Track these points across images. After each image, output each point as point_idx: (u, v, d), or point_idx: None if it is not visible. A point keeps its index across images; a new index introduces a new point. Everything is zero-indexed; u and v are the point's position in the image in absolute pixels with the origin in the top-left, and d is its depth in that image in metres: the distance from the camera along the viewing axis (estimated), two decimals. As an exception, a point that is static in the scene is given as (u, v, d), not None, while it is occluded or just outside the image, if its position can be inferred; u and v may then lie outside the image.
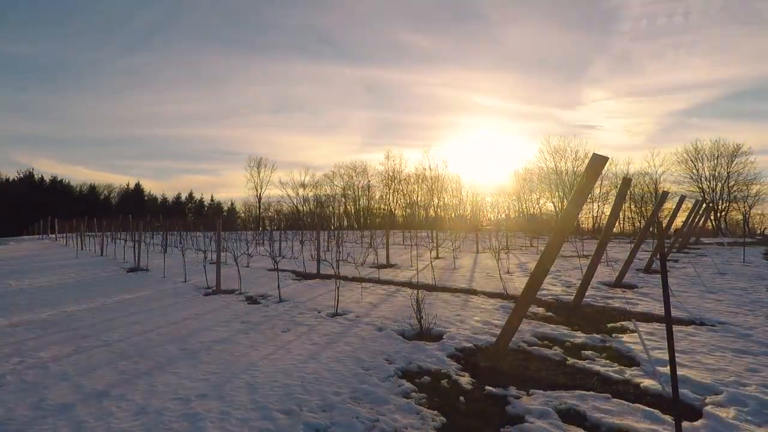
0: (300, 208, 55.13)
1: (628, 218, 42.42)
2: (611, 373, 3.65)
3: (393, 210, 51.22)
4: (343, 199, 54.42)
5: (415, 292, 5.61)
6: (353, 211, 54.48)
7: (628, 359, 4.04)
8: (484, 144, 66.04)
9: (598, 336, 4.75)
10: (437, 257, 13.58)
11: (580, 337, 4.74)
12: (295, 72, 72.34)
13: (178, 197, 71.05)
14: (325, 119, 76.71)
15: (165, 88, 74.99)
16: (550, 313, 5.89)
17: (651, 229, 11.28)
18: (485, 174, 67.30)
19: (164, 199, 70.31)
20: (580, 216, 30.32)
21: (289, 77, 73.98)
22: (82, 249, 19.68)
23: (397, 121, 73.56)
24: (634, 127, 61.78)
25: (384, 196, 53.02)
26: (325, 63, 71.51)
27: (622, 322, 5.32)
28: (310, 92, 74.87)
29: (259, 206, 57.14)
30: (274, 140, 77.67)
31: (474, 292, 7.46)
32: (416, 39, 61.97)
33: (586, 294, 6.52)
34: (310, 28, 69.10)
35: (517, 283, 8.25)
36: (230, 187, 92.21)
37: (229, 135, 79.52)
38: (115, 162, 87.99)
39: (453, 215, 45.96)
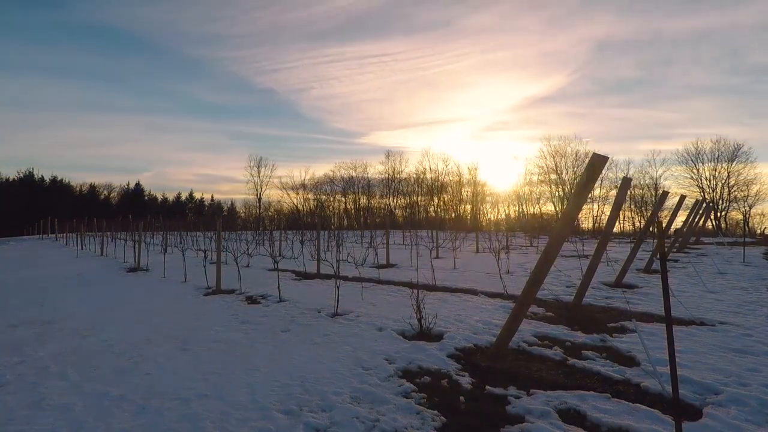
0: (300, 207, 55.19)
1: (628, 218, 42.45)
2: (611, 373, 3.65)
3: (393, 210, 51.21)
4: (343, 199, 54.48)
5: (415, 291, 5.61)
6: (353, 210, 54.47)
7: (628, 359, 4.04)
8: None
9: (598, 336, 4.75)
10: (437, 257, 13.58)
11: (580, 336, 4.74)
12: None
13: (178, 197, 71.19)
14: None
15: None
16: (550, 313, 5.89)
17: (651, 229, 11.28)
18: (489, 174, 69.39)
19: (164, 199, 70.43)
20: (580, 216, 30.32)
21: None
22: (82, 249, 19.68)
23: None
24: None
25: (384, 196, 53.05)
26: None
27: (622, 322, 5.32)
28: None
29: (259, 206, 57.21)
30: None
31: (474, 292, 7.46)
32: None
33: (587, 294, 6.52)
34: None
35: (517, 283, 8.24)
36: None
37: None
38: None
39: (453, 215, 46.00)
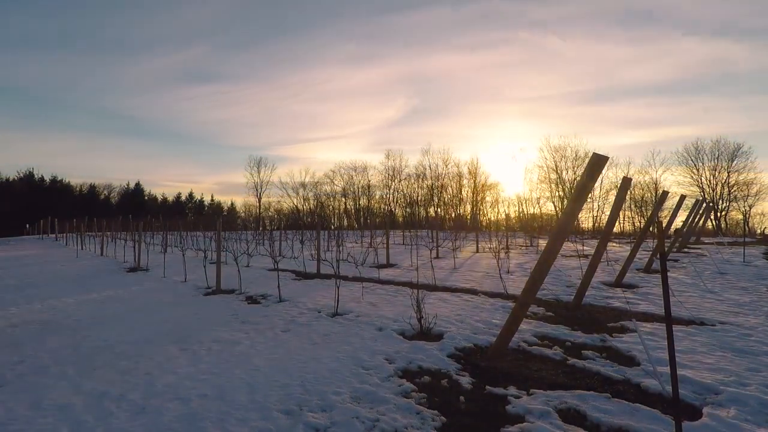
0: (300, 207, 55.16)
1: (628, 218, 42.42)
2: (611, 373, 3.65)
3: (393, 209, 51.19)
4: (343, 199, 54.42)
5: (415, 291, 5.61)
6: (353, 210, 54.44)
7: (628, 359, 4.04)
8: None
9: (598, 336, 4.75)
10: (437, 257, 13.59)
11: (580, 336, 4.74)
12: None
13: (178, 197, 71.18)
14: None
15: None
16: (550, 313, 5.89)
17: (651, 229, 11.28)
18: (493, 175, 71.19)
19: (164, 199, 70.40)
20: (580, 216, 30.30)
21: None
22: (82, 249, 19.68)
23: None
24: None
25: (384, 196, 53.00)
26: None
27: (622, 322, 5.32)
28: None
29: (259, 206, 57.17)
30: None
31: (474, 292, 7.46)
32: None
33: (586, 294, 6.52)
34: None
35: (517, 283, 8.25)
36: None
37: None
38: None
39: (453, 215, 45.98)
